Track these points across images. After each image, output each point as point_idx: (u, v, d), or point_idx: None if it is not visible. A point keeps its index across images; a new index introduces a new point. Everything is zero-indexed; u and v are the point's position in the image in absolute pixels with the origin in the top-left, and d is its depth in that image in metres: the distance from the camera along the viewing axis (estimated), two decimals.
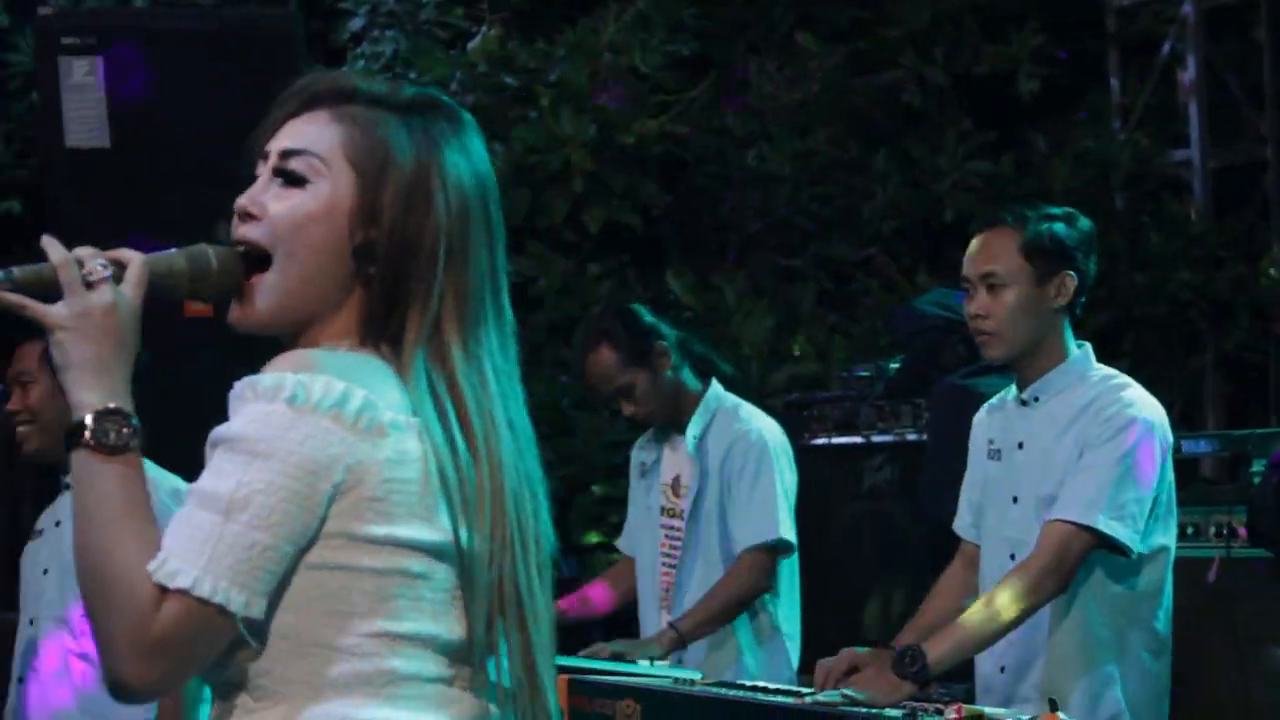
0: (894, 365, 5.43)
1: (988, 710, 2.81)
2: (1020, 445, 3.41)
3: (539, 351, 6.81)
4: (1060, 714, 2.80)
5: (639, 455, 4.44)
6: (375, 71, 7.21)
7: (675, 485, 4.31)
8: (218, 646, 1.65)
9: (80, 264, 1.70)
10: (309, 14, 5.46)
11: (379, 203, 1.75)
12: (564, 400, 6.62)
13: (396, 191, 1.75)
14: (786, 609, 4.24)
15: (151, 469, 4.45)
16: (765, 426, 4.24)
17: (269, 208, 1.77)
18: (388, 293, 1.75)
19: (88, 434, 1.67)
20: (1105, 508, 3.18)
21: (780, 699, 3.17)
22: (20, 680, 3.70)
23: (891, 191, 6.53)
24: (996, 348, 3.38)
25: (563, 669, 3.54)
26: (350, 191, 1.76)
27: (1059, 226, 3.38)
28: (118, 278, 1.72)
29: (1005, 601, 3.12)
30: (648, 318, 4.33)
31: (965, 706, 2.77)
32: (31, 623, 3.70)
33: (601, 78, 6.47)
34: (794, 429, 5.06)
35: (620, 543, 4.53)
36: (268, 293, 1.76)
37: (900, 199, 6.55)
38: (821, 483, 5.22)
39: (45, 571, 3.70)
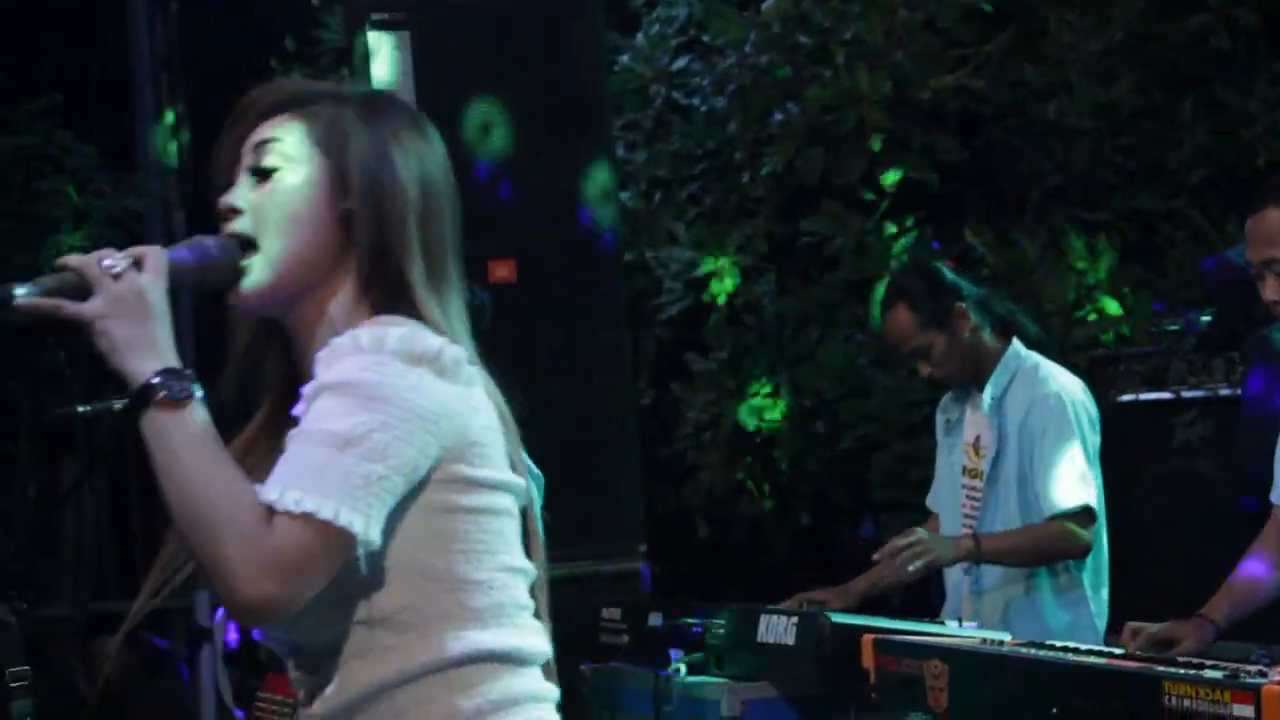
0: (1205, 318, 5.27)
1: None
2: None
3: (834, 311, 6.78)
4: None
5: (943, 413, 4.39)
6: (670, 35, 7.27)
7: (976, 445, 4.25)
8: (333, 570, 1.74)
9: (99, 262, 1.80)
10: None
11: (348, 177, 1.87)
12: (861, 359, 6.58)
13: (362, 165, 1.87)
14: (1093, 571, 4.15)
15: None
16: (1066, 386, 4.15)
17: (248, 198, 1.88)
18: (374, 257, 1.86)
19: (159, 392, 1.75)
20: None
21: (1091, 660, 3.12)
22: None
23: (1199, 139, 6.31)
24: None
25: (868, 629, 3.54)
26: (321, 170, 1.87)
27: None
28: (137, 268, 1.81)
29: None
30: (949, 276, 4.27)
31: None
32: None
33: (896, 34, 6.39)
34: (1100, 385, 4.94)
35: (929, 499, 4.50)
36: (258, 269, 1.87)
37: (1209, 146, 6.31)
38: (1129, 440, 5.08)
39: None
